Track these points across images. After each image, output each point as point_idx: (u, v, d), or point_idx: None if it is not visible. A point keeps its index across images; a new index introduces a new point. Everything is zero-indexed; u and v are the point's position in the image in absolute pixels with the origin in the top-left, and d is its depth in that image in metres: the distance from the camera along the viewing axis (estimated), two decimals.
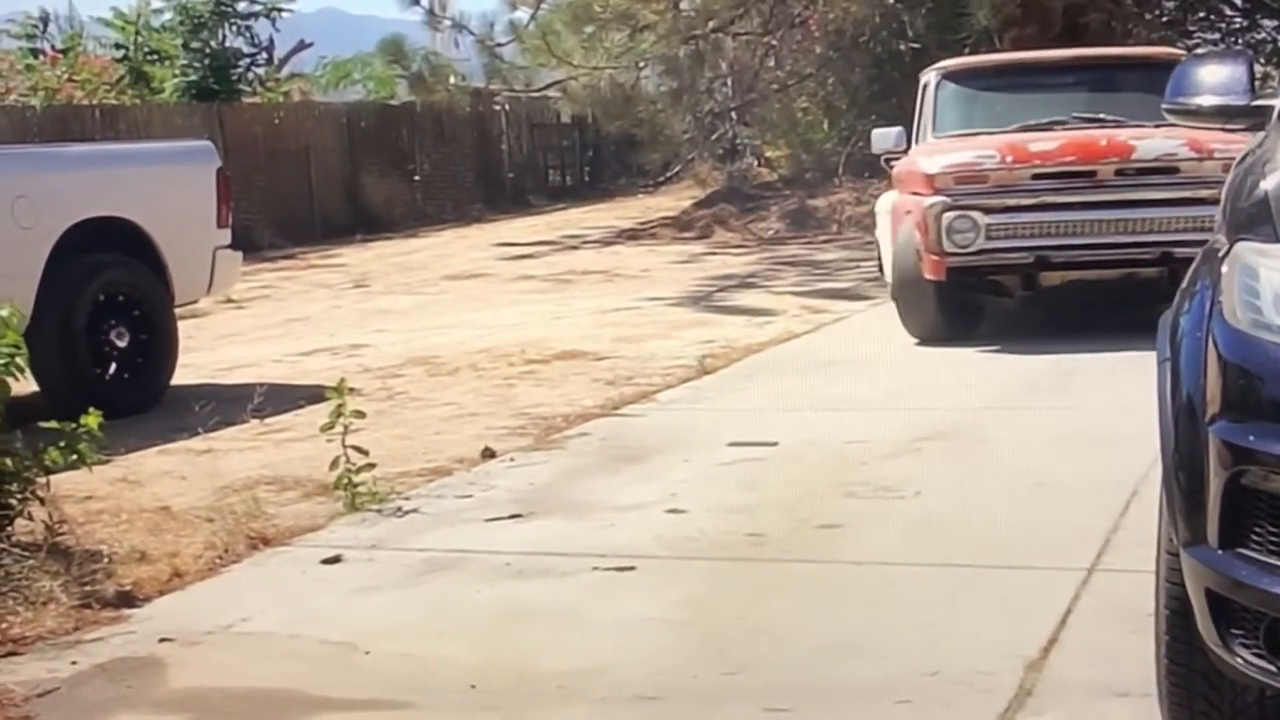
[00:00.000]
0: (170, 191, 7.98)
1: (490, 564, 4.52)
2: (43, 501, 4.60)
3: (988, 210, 7.73)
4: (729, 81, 16.85)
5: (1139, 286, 7.78)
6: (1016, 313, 9.29)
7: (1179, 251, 7.18)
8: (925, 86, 9.11)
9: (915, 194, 8.14)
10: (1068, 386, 6.88)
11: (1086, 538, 4.32)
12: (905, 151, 8.99)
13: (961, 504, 4.93)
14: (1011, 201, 7.78)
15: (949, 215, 7.71)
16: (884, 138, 9.17)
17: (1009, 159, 7.93)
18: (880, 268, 9.79)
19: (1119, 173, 7.79)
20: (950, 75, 8.99)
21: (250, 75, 22.26)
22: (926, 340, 8.10)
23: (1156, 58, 8.77)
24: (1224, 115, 3.40)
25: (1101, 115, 8.46)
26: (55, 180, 7.39)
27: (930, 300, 7.97)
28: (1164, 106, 3.49)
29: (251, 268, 12.67)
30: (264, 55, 22.63)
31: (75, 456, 4.66)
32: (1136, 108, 8.13)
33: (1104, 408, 6.16)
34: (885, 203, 9.54)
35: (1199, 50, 15.07)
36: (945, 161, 8.05)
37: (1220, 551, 2.44)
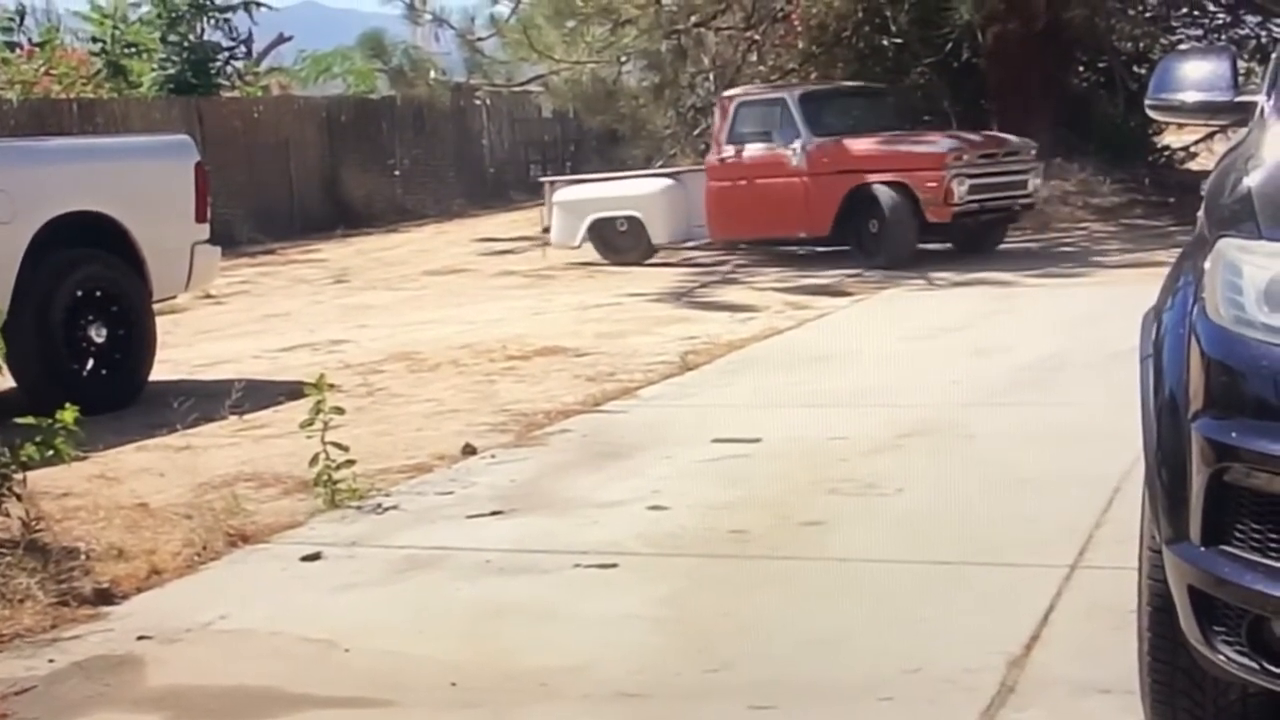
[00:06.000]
0: (148, 186, 7.92)
1: (471, 561, 4.50)
2: (19, 498, 4.56)
3: (969, 177, 12.22)
4: (711, 76, 16.77)
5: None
6: (1004, 311, 9.31)
7: (1016, 204, 12.85)
8: (782, 102, 13.21)
9: (916, 169, 12.27)
10: (1051, 383, 6.89)
11: (1069, 534, 4.32)
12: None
13: (944, 501, 4.94)
14: (974, 171, 12.35)
15: (958, 180, 12.09)
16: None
17: (969, 146, 12.79)
18: (554, 231, 14.12)
19: (1003, 156, 12.79)
20: (804, 97, 13.29)
21: (229, 69, 22.16)
22: (901, 265, 11.96)
23: (890, 90, 14.87)
24: (1207, 111, 3.38)
25: (898, 124, 13.55)
26: (32, 175, 7.33)
27: (914, 236, 12.36)
28: (1147, 102, 3.47)
29: (230, 263, 12.61)
30: (242, 49, 22.53)
31: (52, 452, 4.62)
32: (896, 119, 13.71)
33: (1087, 404, 6.16)
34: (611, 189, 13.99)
35: (1182, 46, 15.12)
36: (945, 147, 12.57)
37: (1203, 548, 2.43)
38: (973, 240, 12.70)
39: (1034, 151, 13.11)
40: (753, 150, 13.17)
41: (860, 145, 12.79)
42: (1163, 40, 16.65)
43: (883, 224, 12.32)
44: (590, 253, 13.94)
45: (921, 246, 12.47)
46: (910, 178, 12.25)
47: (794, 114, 12.98)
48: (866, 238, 12.43)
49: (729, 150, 13.31)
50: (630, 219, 13.65)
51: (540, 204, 15.07)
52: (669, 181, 13.94)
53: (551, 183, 15.06)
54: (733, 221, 13.26)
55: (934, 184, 12.09)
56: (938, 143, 12.86)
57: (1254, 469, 2.37)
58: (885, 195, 12.33)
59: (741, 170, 13.18)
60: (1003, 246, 13.27)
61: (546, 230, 14.40)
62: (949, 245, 12.79)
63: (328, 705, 3.49)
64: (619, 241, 13.83)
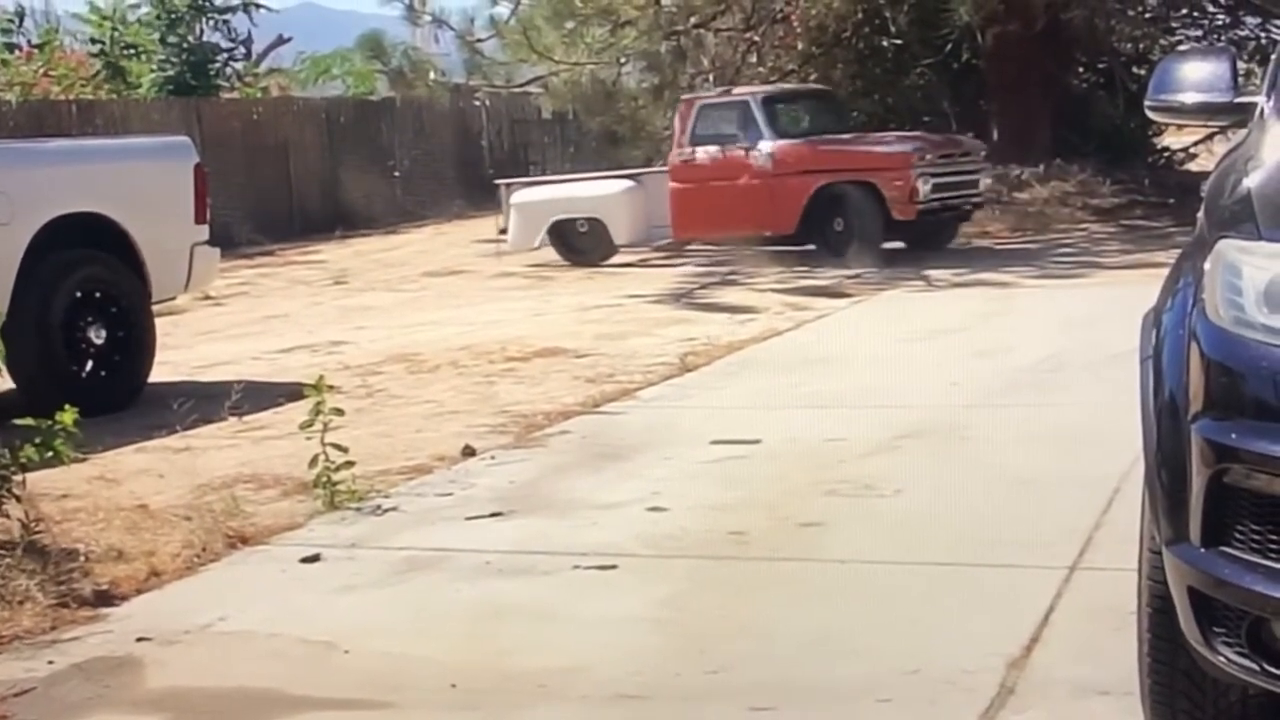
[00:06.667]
0: (148, 187, 7.92)
1: (471, 563, 4.50)
2: (19, 499, 4.56)
3: (932, 176, 12.72)
4: (711, 78, 16.78)
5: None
6: (1003, 312, 9.32)
7: (970, 201, 13.43)
8: (745, 104, 13.51)
9: (882, 169, 12.71)
10: (1050, 384, 6.89)
11: (1069, 535, 4.32)
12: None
13: (943, 502, 4.94)
14: (935, 171, 12.83)
15: (922, 179, 12.60)
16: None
17: (931, 146, 13.31)
18: (512, 233, 14.40)
19: (959, 156, 13.36)
20: (767, 99, 13.66)
21: (228, 70, 22.16)
22: (867, 263, 12.28)
23: (834, 94, 15.48)
24: (1206, 112, 3.38)
25: (857, 126, 14.46)
26: (31, 176, 7.33)
27: (881, 234, 12.70)
28: (1147, 104, 3.47)
29: (230, 264, 12.60)
30: (242, 50, 22.53)
31: (52, 454, 4.62)
32: (855, 121, 14.69)
33: (1086, 405, 6.16)
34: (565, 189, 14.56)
35: (1182, 47, 15.12)
36: (909, 148, 13.04)
37: (1202, 550, 2.43)
38: (927, 238, 13.06)
39: (984, 153, 13.75)
40: (717, 151, 13.52)
41: (827, 146, 13.20)
42: (1162, 41, 16.65)
43: (849, 223, 12.75)
44: (547, 254, 14.10)
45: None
46: (877, 177, 12.67)
47: (757, 116, 13.35)
48: (832, 236, 12.80)
49: (691, 152, 13.65)
50: (591, 220, 13.96)
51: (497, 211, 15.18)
52: (629, 183, 14.24)
53: (508, 185, 15.23)
54: (697, 221, 13.61)
55: (900, 183, 12.56)
56: (902, 143, 13.31)
57: (1254, 470, 2.37)
58: (852, 194, 12.74)
59: (706, 171, 13.51)
60: (1002, 247, 13.34)
61: (503, 232, 14.63)
62: (902, 244, 13.06)
63: (327, 707, 3.49)
64: (580, 243, 14.13)
